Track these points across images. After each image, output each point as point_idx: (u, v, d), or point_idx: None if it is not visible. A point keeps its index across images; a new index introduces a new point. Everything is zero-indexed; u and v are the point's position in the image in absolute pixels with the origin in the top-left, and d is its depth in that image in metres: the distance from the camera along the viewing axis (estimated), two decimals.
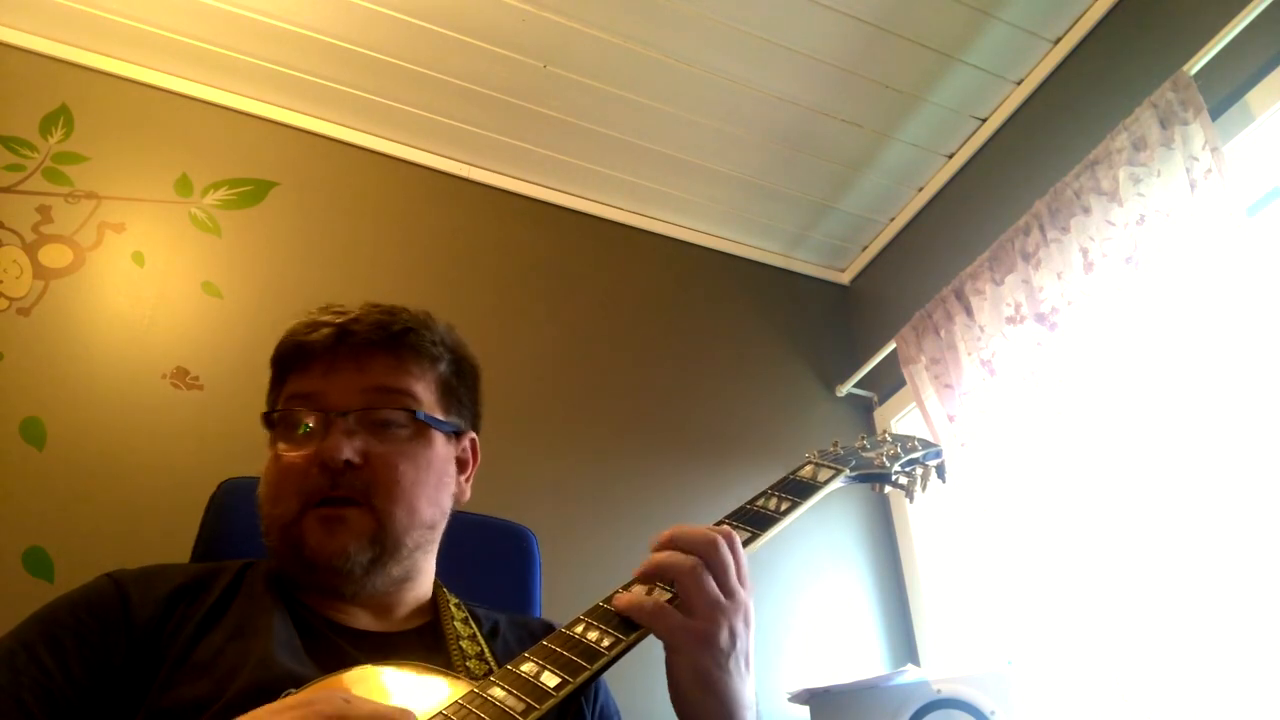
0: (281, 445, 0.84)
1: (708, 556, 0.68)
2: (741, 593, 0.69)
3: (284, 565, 0.81)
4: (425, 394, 0.87)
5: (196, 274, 1.76)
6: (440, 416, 0.88)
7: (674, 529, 0.71)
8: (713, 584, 0.67)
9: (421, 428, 0.85)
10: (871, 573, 2.08)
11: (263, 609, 0.77)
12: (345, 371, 0.84)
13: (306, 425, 0.82)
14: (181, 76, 1.92)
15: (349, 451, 0.79)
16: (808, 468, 0.89)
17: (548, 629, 0.92)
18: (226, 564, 0.85)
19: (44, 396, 1.54)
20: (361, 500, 0.80)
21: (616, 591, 0.69)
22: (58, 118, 1.77)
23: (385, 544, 0.80)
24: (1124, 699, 1.38)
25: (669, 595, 0.67)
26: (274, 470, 0.83)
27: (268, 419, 0.87)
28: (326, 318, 0.87)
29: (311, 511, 0.79)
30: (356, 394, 0.83)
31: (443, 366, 0.90)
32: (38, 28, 1.81)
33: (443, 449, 0.88)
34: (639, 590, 0.69)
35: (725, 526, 0.75)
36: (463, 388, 0.93)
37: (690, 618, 0.66)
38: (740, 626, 0.68)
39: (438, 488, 0.86)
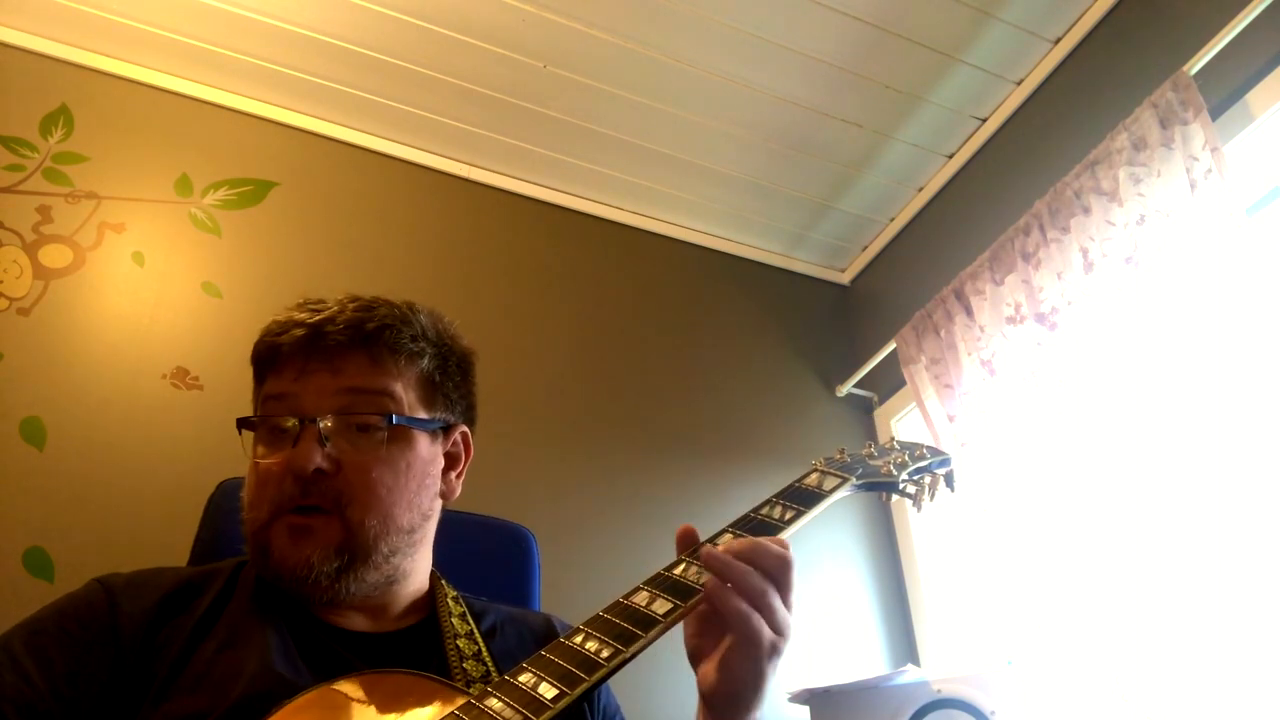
0: (258, 450, 0.81)
1: (781, 579, 0.68)
2: (789, 635, 0.67)
3: (258, 571, 0.79)
4: (404, 393, 0.83)
5: (196, 274, 1.76)
6: (423, 415, 0.84)
7: (751, 542, 0.70)
8: (763, 624, 0.65)
9: (400, 430, 0.81)
10: (871, 573, 2.08)
11: (255, 614, 0.75)
12: (319, 374, 0.81)
13: (281, 430, 0.79)
14: (181, 76, 1.92)
15: (320, 459, 0.76)
16: (813, 475, 0.85)
17: (547, 625, 0.91)
18: (220, 565, 0.83)
19: (44, 396, 1.54)
20: (332, 509, 0.77)
21: (619, 599, 0.67)
22: (58, 118, 1.77)
23: (353, 553, 0.77)
24: (1124, 698, 1.38)
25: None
26: (251, 476, 0.81)
27: (242, 424, 0.84)
28: (301, 316, 0.83)
29: (281, 519, 0.77)
30: (330, 397, 0.80)
31: (424, 362, 0.86)
32: (38, 28, 1.81)
33: (426, 449, 0.84)
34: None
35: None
36: (450, 382, 0.89)
37: (727, 669, 0.64)
38: (771, 673, 0.66)
39: (419, 491, 0.83)
